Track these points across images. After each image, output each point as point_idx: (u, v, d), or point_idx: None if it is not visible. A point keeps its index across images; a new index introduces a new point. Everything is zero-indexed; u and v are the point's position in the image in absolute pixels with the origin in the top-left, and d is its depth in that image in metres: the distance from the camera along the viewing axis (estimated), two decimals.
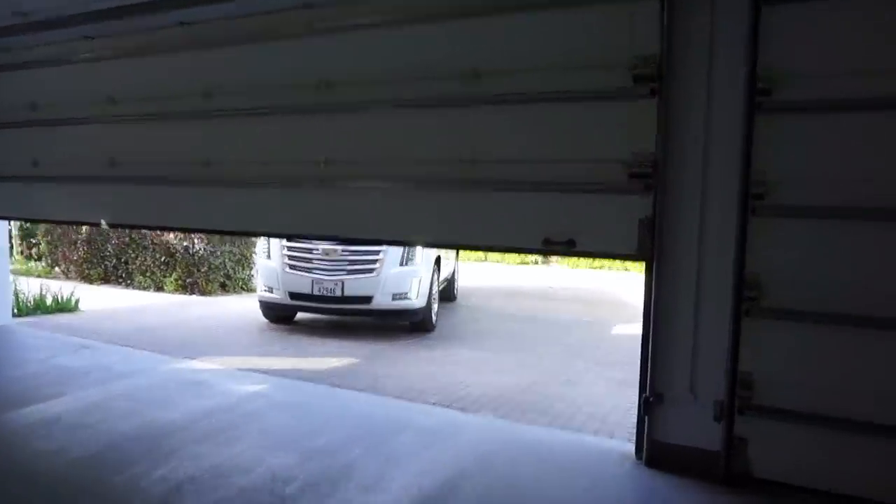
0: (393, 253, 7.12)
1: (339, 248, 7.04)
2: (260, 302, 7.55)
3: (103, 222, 5.57)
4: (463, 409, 4.67)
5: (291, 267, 7.16)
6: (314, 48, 4.07)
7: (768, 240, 3.10)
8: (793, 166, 3.03)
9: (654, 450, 3.47)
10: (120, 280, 11.23)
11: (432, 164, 3.72)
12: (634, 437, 3.63)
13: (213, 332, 7.19)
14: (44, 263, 12.83)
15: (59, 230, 12.04)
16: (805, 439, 3.13)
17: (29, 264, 13.15)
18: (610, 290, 12.79)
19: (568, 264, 15.98)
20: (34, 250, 13.69)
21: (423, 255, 7.36)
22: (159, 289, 10.62)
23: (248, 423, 4.05)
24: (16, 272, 12.62)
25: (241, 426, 3.97)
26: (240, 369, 5.52)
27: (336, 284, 6.99)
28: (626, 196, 3.28)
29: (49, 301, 8.17)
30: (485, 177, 3.60)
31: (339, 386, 5.13)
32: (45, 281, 10.64)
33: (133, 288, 10.85)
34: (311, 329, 7.70)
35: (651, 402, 3.44)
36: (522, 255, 16.37)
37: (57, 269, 12.28)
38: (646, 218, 3.25)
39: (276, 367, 5.67)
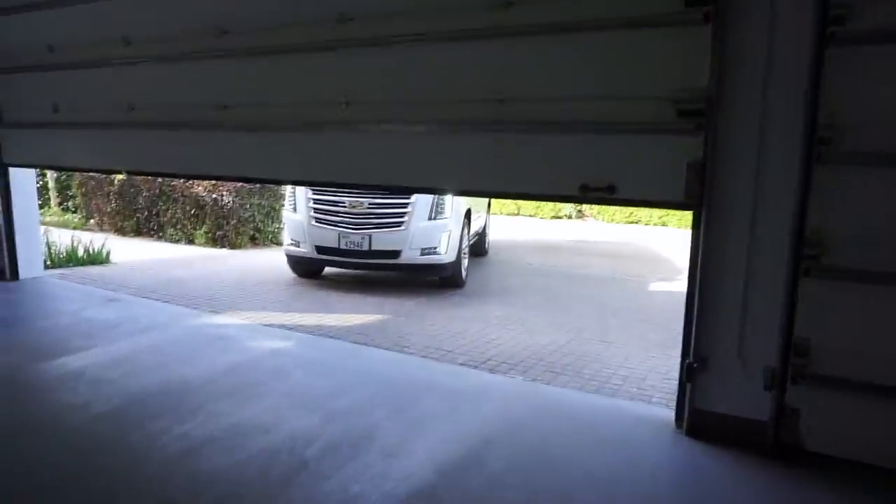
0: (421, 206, 6.88)
1: (366, 201, 6.83)
2: (287, 256, 7.44)
3: (123, 171, 5.44)
4: (492, 370, 4.49)
5: (318, 220, 7.00)
6: None
7: (834, 191, 2.76)
8: (867, 108, 2.66)
9: (695, 418, 3.24)
10: (152, 232, 11.30)
11: (461, 104, 3.41)
12: (674, 404, 3.40)
13: (240, 286, 7.12)
14: (79, 215, 13.00)
15: (94, 182, 12.13)
16: (864, 412, 2.86)
17: (65, 216, 13.35)
18: (647, 245, 12.39)
19: (603, 218, 15.53)
20: (70, 202, 13.88)
21: (453, 209, 7.10)
22: (190, 241, 10.65)
23: (270, 380, 3.94)
24: (52, 224, 12.84)
25: (264, 384, 3.86)
26: (264, 324, 5.43)
27: (363, 238, 6.81)
28: (673, 137, 2.94)
29: (81, 253, 8.22)
30: (518, 117, 3.28)
31: (364, 344, 4.99)
32: (79, 233, 10.77)
33: (164, 240, 10.90)
34: (338, 284, 7.59)
35: (694, 367, 3.19)
36: (556, 209, 15.97)
37: (91, 221, 12.42)
38: (695, 162, 2.92)
39: (301, 323, 5.57)
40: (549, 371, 4.53)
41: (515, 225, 15.20)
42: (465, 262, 7.85)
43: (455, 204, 7.19)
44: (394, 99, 3.64)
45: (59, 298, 6.08)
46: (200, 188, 10.51)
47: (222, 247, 10.33)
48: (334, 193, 6.94)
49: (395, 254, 6.86)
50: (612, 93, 3.03)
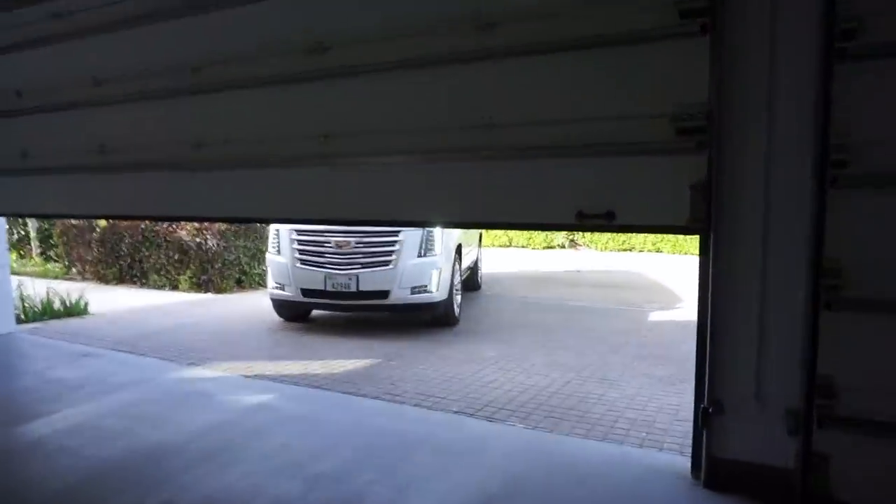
0: (410, 243, 6.63)
1: (353, 239, 6.58)
2: (272, 300, 7.14)
3: (97, 216, 5.14)
4: (489, 418, 4.18)
5: (302, 262, 6.73)
6: (302, 5, 3.57)
7: (852, 216, 2.52)
8: (884, 127, 2.45)
9: (713, 468, 2.95)
10: (135, 280, 10.98)
11: (447, 131, 3.17)
12: (688, 450, 3.12)
13: (223, 334, 6.81)
14: (60, 265, 12.67)
15: (75, 230, 11.84)
16: None
17: (46, 266, 13.00)
18: (642, 273, 12.17)
19: (596, 246, 15.34)
20: (53, 251, 13.54)
21: (443, 245, 6.86)
22: (174, 287, 10.32)
23: (249, 441, 3.62)
24: (33, 274, 12.48)
25: (242, 446, 3.55)
26: (246, 376, 5.12)
27: (350, 279, 6.53)
28: (674, 157, 2.70)
29: (57, 305, 7.89)
30: (507, 142, 3.03)
31: (352, 393, 4.68)
32: (59, 283, 10.44)
33: (148, 287, 10.58)
34: (326, 327, 7.29)
35: (709, 412, 2.91)
36: (548, 239, 15.79)
37: (74, 270, 12.09)
38: (699, 183, 2.68)
39: (286, 373, 5.25)
40: (551, 416, 4.23)
41: (508, 257, 14.98)
42: (458, 298, 7.58)
43: (445, 239, 6.95)
44: (376, 129, 3.40)
45: (27, 356, 5.76)
46: (184, 232, 10.23)
47: (207, 291, 10.01)
48: (319, 234, 6.69)
49: (384, 294, 6.58)
50: (606, 113, 2.80)
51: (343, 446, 3.52)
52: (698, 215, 2.70)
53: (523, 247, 16.04)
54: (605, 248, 15.09)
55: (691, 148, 2.66)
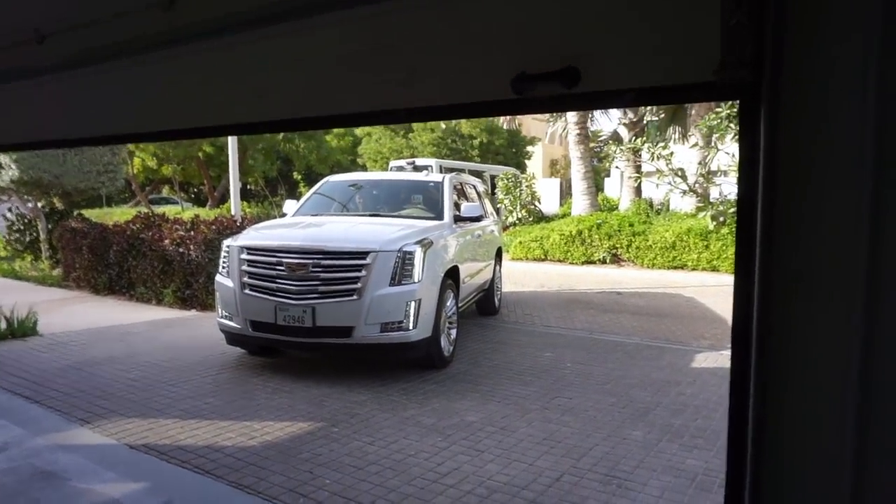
0: (380, 268, 5.28)
1: (310, 262, 5.30)
2: (222, 331, 5.91)
3: None
4: None
5: (251, 287, 5.48)
6: None
7: None
8: None
9: None
10: (123, 290, 10.09)
11: None
12: None
13: (163, 371, 5.65)
14: (59, 271, 12.00)
15: (69, 234, 11.11)
16: None
17: (50, 271, 12.37)
18: (693, 298, 10.42)
19: (641, 263, 13.59)
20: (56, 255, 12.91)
21: (425, 268, 5.48)
22: (160, 301, 9.35)
23: None
24: (33, 279, 11.87)
25: None
26: (132, 446, 3.90)
27: (305, 311, 5.24)
28: None
29: (3, 325, 6.96)
30: None
31: (246, 488, 3.38)
32: (50, 290, 9.66)
33: (135, 299, 9.65)
34: (288, 367, 6.03)
35: None
36: (588, 253, 14.13)
37: (71, 276, 11.36)
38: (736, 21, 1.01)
39: (188, 441, 4.01)
40: None
41: (539, 273, 13.43)
42: (454, 333, 6.20)
43: (430, 261, 5.57)
44: None
45: None
46: (167, 241, 9.25)
47: (191, 308, 8.98)
48: (270, 254, 5.44)
49: (347, 331, 5.26)
50: None
51: None
52: (736, 65, 1.01)
53: (560, 261, 14.42)
54: (652, 265, 13.31)
55: None
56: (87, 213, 15.16)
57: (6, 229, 14.45)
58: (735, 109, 12.91)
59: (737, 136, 13.04)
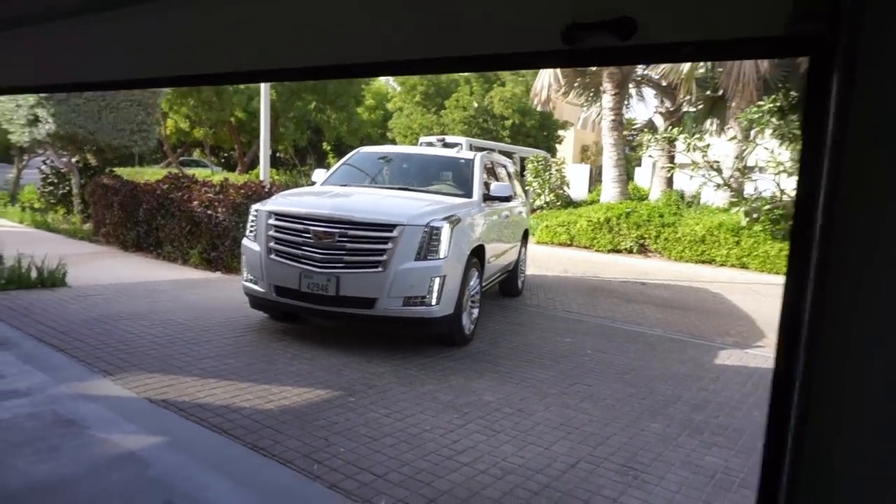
0: (407, 243, 5.24)
1: (336, 231, 5.27)
2: (246, 294, 5.94)
3: None
4: None
5: (277, 252, 5.49)
6: None
7: None
8: None
9: None
10: (151, 248, 10.22)
11: None
12: None
13: (186, 330, 5.71)
14: (89, 225, 12.20)
15: (101, 190, 11.26)
16: None
17: (81, 225, 12.58)
18: (720, 293, 10.23)
19: (669, 255, 13.37)
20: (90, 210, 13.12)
21: (452, 245, 5.42)
22: (185, 261, 9.45)
23: None
24: (64, 232, 12.08)
25: None
26: (152, 400, 3.94)
27: (329, 280, 5.23)
28: None
29: (34, 274, 7.09)
30: None
31: (262, 449, 3.39)
32: (81, 244, 9.83)
33: (161, 258, 9.77)
34: (310, 333, 6.05)
35: None
36: (615, 242, 13.94)
37: (101, 231, 11.54)
38: None
39: (206, 399, 4.04)
40: None
41: (564, 258, 13.30)
42: (476, 312, 6.15)
43: (456, 238, 5.51)
44: None
45: None
46: (196, 203, 9.31)
47: (216, 270, 9.06)
48: (298, 220, 5.42)
49: (370, 302, 5.24)
50: None
51: None
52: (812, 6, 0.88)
53: (586, 247, 14.24)
54: (680, 258, 13.08)
55: None
56: (118, 170, 15.34)
57: (40, 182, 14.70)
58: (778, 104, 12.54)
59: (777, 132, 12.67)
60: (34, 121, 12.35)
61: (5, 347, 4.71)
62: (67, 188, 14.06)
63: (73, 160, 13.64)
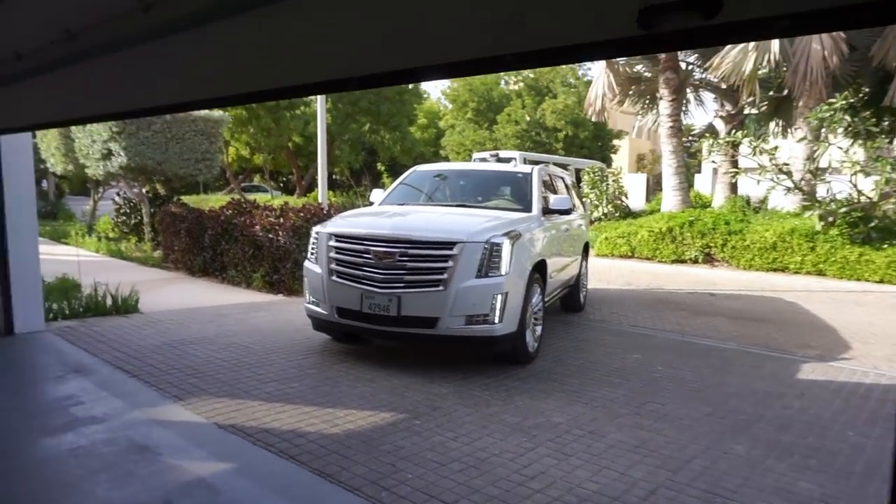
0: (467, 259, 5.16)
1: (397, 251, 5.24)
2: (309, 317, 5.99)
3: None
4: None
5: (338, 274, 5.50)
6: None
7: None
8: None
9: None
10: (216, 273, 10.52)
11: None
12: None
13: (251, 353, 5.79)
14: (159, 252, 12.69)
15: (168, 218, 11.70)
16: None
17: (151, 252, 13.10)
18: (796, 303, 9.69)
19: (737, 263, 12.80)
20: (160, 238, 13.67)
21: (513, 261, 5.31)
22: (249, 285, 9.68)
23: None
24: (136, 260, 12.61)
25: None
26: (220, 426, 3.98)
27: (391, 300, 5.20)
28: None
29: (109, 302, 7.38)
30: None
31: (329, 476, 3.35)
32: (150, 270, 10.22)
33: (226, 282, 10.04)
34: (371, 355, 6.04)
35: None
36: (679, 251, 13.47)
37: (170, 258, 11.98)
38: None
39: (272, 424, 4.05)
40: None
41: (626, 270, 12.92)
42: (539, 329, 6.00)
43: (517, 254, 5.39)
44: None
45: (19, 366, 5.07)
46: (258, 227, 9.53)
47: (279, 292, 9.23)
48: (358, 241, 5.43)
49: (431, 322, 5.18)
50: None
51: None
52: None
53: (648, 258, 13.81)
54: (749, 266, 12.48)
55: None
56: (185, 198, 15.97)
57: (114, 212, 15.43)
58: (849, 101, 11.89)
59: (850, 130, 12.00)
60: (108, 154, 12.98)
61: (83, 374, 4.88)
62: (139, 217, 14.71)
63: (144, 190, 14.26)
